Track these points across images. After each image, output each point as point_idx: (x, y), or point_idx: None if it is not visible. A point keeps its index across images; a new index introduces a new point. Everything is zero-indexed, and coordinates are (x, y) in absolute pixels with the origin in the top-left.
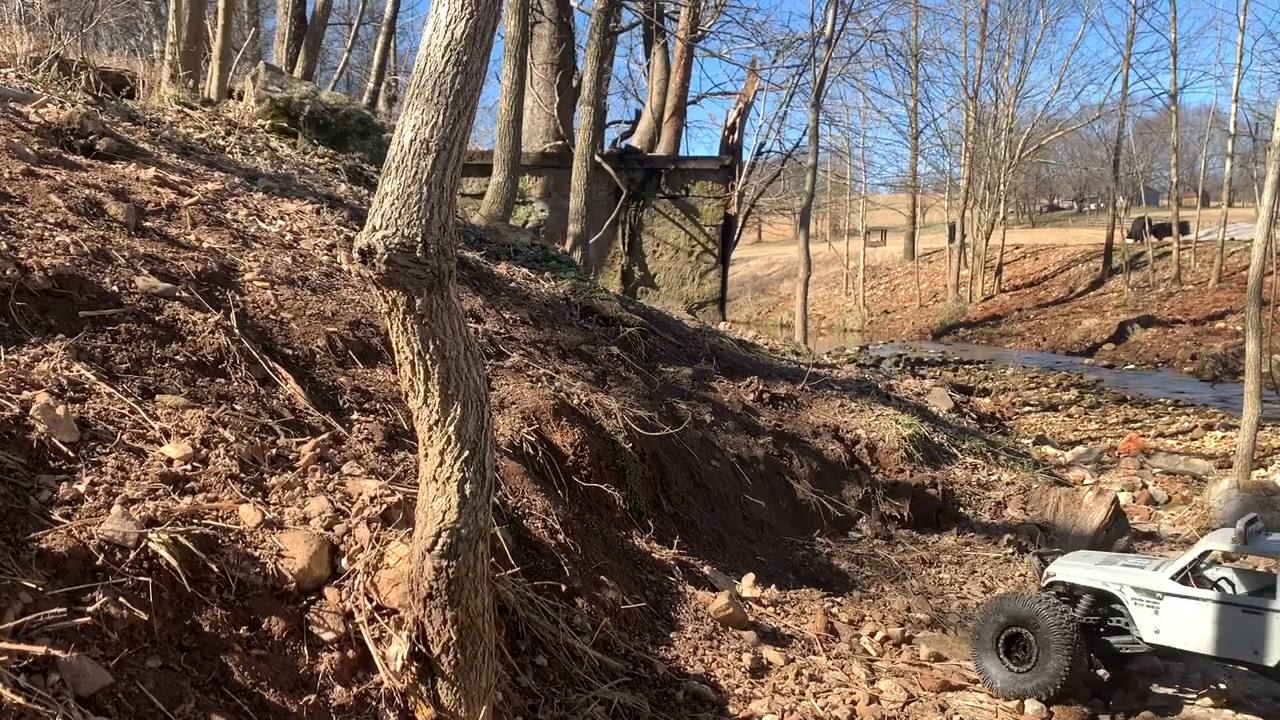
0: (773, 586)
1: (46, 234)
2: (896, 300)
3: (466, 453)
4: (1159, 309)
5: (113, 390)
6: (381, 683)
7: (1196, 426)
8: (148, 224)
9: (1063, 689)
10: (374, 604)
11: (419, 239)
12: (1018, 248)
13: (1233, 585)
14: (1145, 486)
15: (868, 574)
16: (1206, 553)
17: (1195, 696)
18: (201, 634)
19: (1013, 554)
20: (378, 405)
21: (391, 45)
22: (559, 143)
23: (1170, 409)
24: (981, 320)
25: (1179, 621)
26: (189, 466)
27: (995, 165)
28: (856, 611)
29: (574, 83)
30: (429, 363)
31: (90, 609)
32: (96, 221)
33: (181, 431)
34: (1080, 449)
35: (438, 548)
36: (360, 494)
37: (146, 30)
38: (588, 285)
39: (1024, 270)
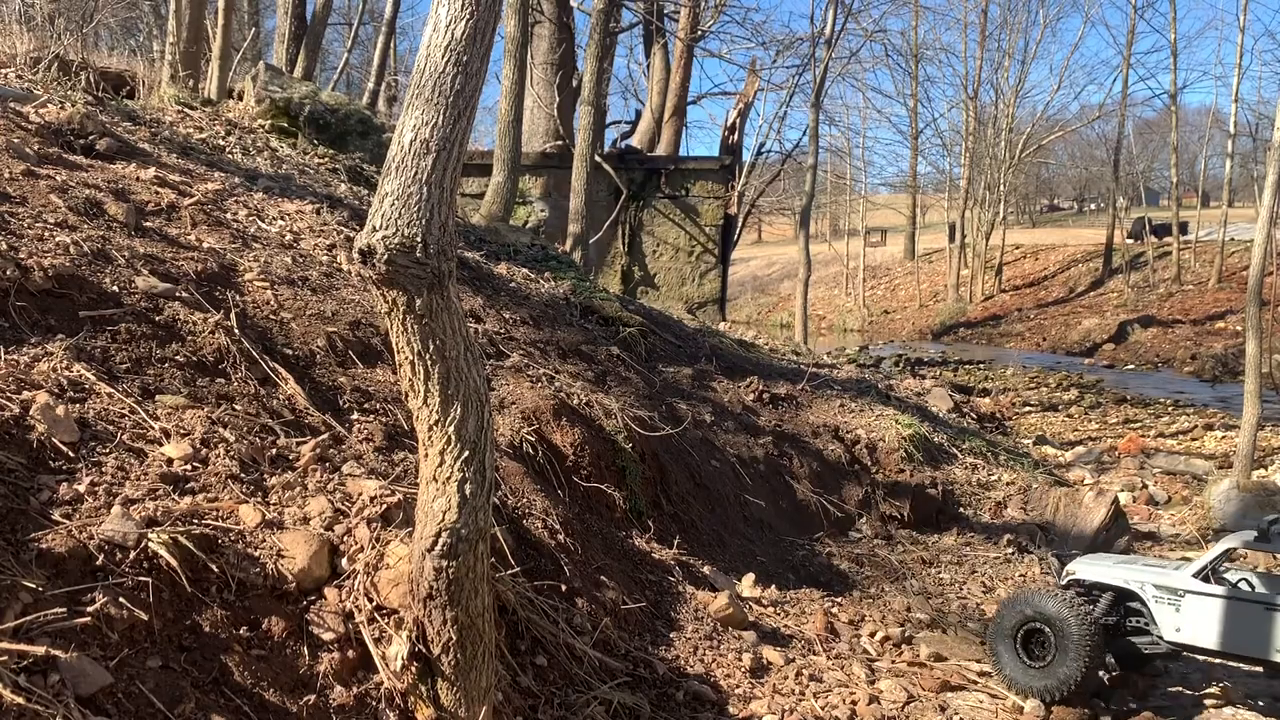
0: (773, 586)
1: (46, 234)
2: (896, 300)
3: (466, 453)
4: (1159, 309)
5: (113, 390)
6: (381, 683)
7: (1196, 426)
8: (148, 224)
9: (1080, 692)
10: (374, 604)
11: (419, 239)
12: (1018, 248)
13: (1252, 587)
14: (1145, 486)
15: (868, 574)
16: (1229, 550)
17: (1195, 695)
18: (201, 634)
19: (1013, 554)
20: (378, 405)
21: (391, 45)
22: (559, 143)
23: (1170, 409)
24: (981, 320)
25: (1201, 619)
26: (189, 466)
27: (995, 165)
28: (856, 611)
29: (574, 83)
30: (429, 363)
31: (90, 609)
32: (96, 221)
33: (181, 431)
34: (1080, 449)
35: (438, 548)
36: (360, 494)
37: (146, 30)
38: (588, 285)
39: (1024, 270)
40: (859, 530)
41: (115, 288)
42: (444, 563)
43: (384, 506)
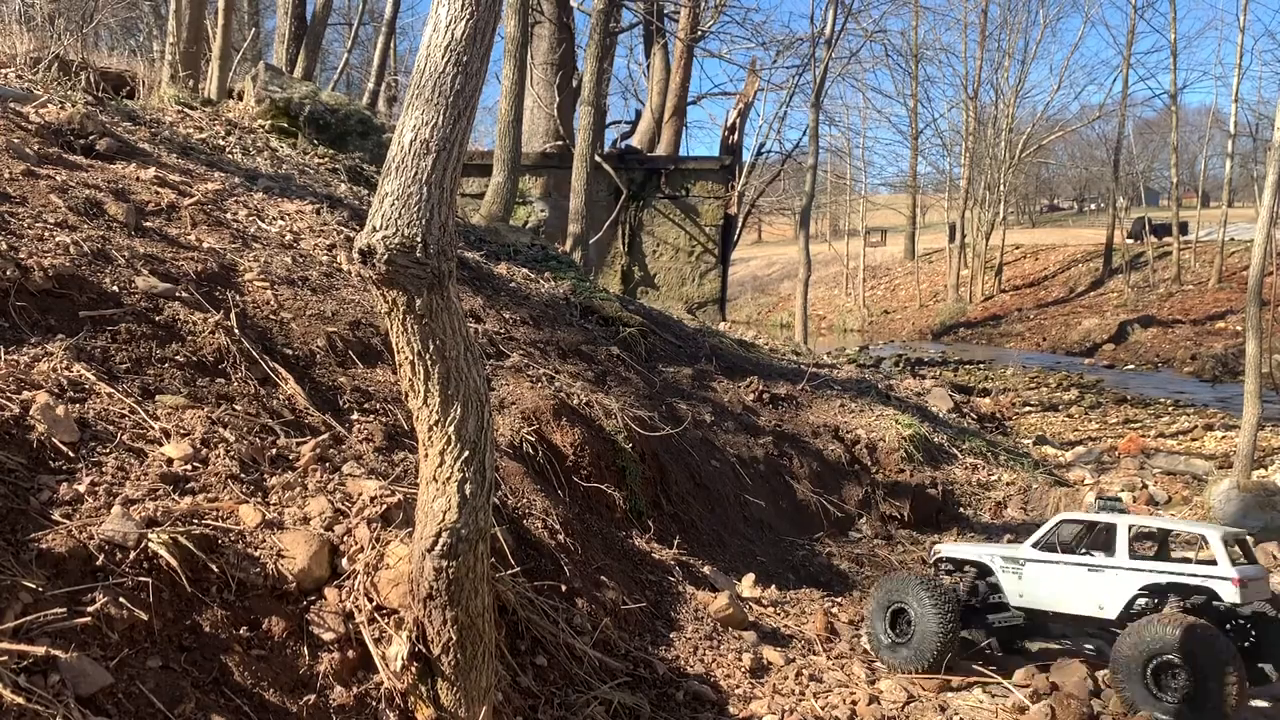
0: (773, 587)
1: (47, 234)
2: (896, 300)
3: (466, 453)
4: (1159, 309)
5: (113, 390)
6: (381, 683)
7: (1196, 427)
8: (148, 224)
9: (935, 660)
10: (374, 604)
11: (419, 239)
12: (1018, 248)
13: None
14: (1145, 487)
15: (868, 574)
16: (1061, 522)
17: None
18: (201, 634)
19: None
20: (378, 405)
21: (391, 45)
22: (559, 143)
23: (1170, 409)
24: (981, 320)
25: (1037, 584)
26: (189, 466)
27: (995, 165)
28: (856, 611)
29: (574, 83)
30: (429, 363)
31: (90, 609)
32: (96, 221)
33: (181, 431)
34: (1080, 449)
35: (438, 548)
36: (360, 494)
37: (146, 30)
38: (588, 285)
39: (1024, 270)
40: (859, 530)
41: (115, 288)
42: (444, 563)
43: (384, 506)
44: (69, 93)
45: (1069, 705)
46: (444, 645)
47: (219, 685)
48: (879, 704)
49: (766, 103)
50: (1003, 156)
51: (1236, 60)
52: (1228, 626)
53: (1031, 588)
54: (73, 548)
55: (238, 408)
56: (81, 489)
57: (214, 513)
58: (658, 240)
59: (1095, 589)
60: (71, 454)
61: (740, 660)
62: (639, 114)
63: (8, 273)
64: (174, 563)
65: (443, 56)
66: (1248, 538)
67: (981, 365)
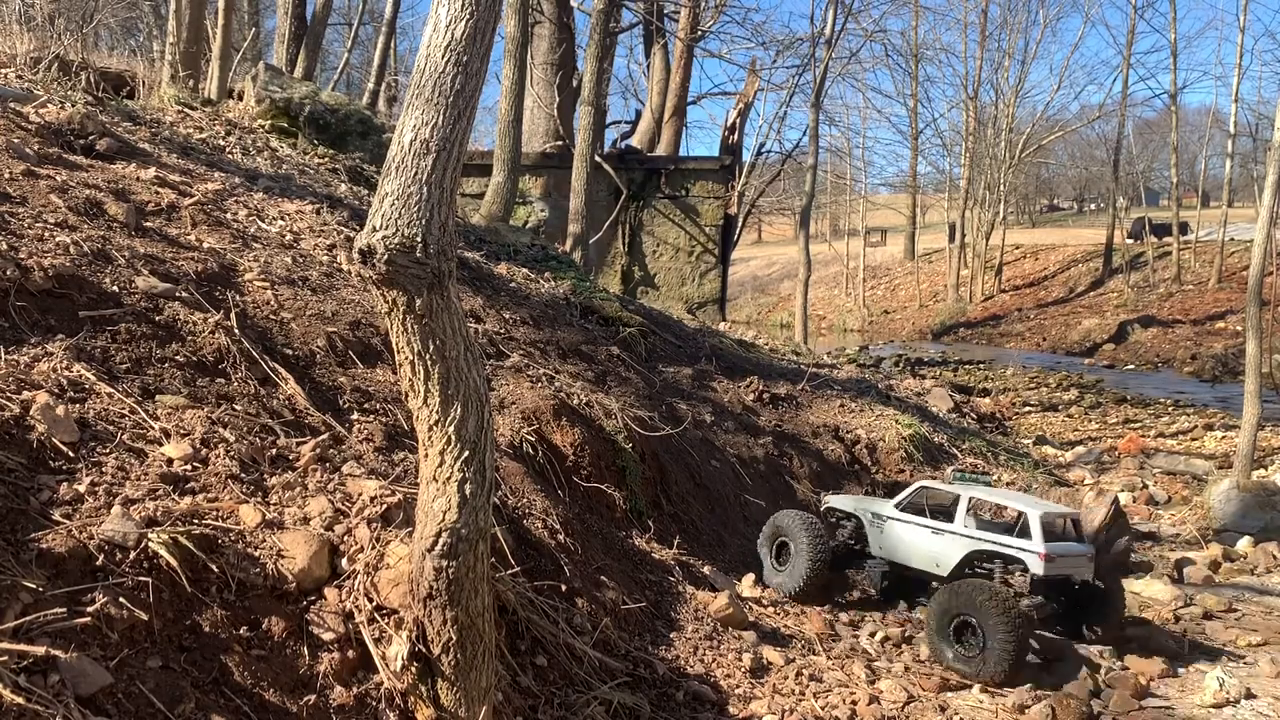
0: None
1: (47, 234)
2: (896, 300)
3: (466, 453)
4: (1159, 309)
5: (113, 390)
6: (381, 683)
7: (1196, 426)
8: (148, 224)
9: (809, 588)
10: (374, 604)
11: (419, 239)
12: (1018, 248)
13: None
14: (1145, 486)
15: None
16: (921, 488)
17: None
18: (201, 634)
19: None
20: (378, 405)
21: (391, 45)
22: (559, 143)
23: (1170, 409)
24: (981, 320)
25: (893, 539)
26: (189, 466)
27: (995, 165)
28: (856, 611)
29: (574, 83)
30: (429, 363)
31: (90, 609)
32: (96, 221)
33: (181, 431)
34: (1080, 449)
35: (438, 548)
36: (360, 494)
37: (146, 30)
38: (588, 285)
39: (1024, 270)
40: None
41: (115, 288)
42: (444, 563)
43: (384, 506)
44: (69, 93)
45: (1069, 705)
46: (444, 645)
47: (219, 685)
48: (879, 704)
49: (766, 103)
50: (1003, 156)
51: (1236, 60)
52: (1038, 590)
53: (888, 542)
54: (73, 548)
55: (238, 408)
56: (81, 489)
57: (214, 513)
58: (658, 240)
59: (934, 549)
60: (71, 454)
61: (740, 660)
62: (639, 114)
63: (8, 273)
64: (174, 563)
65: (443, 56)
66: (1077, 518)
67: (981, 365)
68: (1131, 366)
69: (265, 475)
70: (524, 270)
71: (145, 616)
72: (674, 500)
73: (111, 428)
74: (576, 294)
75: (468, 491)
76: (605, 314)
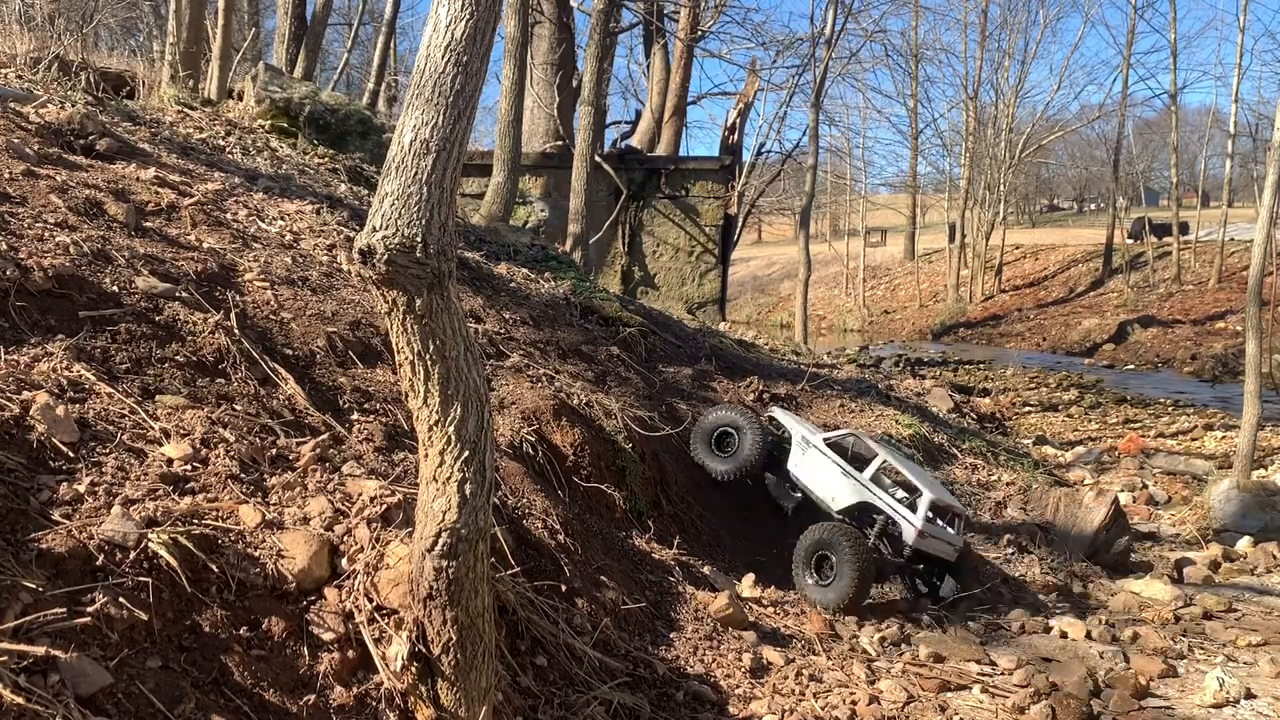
0: (773, 587)
1: (46, 234)
2: (896, 300)
3: (466, 453)
4: (1159, 309)
5: (113, 390)
6: (381, 683)
7: (1196, 426)
8: (148, 224)
9: (750, 472)
10: (374, 604)
11: (419, 239)
12: (1018, 248)
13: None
14: (1145, 486)
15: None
16: (852, 434)
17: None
18: (201, 634)
19: (1013, 554)
20: (378, 405)
21: (391, 45)
22: (559, 143)
23: (1170, 409)
24: (981, 320)
25: (809, 466)
26: (189, 466)
27: (995, 165)
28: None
29: (574, 83)
30: (429, 363)
31: (90, 609)
32: (96, 221)
33: (181, 431)
34: (1080, 449)
35: (438, 548)
36: (360, 494)
37: (146, 30)
38: (588, 285)
39: (1024, 270)
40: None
41: (115, 288)
42: (444, 563)
43: (384, 506)
44: (69, 93)
45: (1069, 705)
46: (444, 645)
47: (219, 685)
48: (879, 704)
49: (766, 103)
50: (1003, 156)
51: (1236, 60)
52: (904, 552)
53: (805, 466)
54: (73, 548)
55: (238, 408)
56: (81, 489)
57: (214, 513)
58: (658, 240)
59: (837, 487)
60: (71, 454)
61: (740, 660)
62: (639, 114)
63: (8, 273)
64: (174, 563)
65: (443, 56)
66: (963, 514)
67: (981, 365)
68: (1131, 366)
69: (265, 475)
70: (524, 270)
71: (145, 616)
72: (674, 500)
73: (111, 428)
74: (576, 294)
75: (468, 491)
76: (605, 314)
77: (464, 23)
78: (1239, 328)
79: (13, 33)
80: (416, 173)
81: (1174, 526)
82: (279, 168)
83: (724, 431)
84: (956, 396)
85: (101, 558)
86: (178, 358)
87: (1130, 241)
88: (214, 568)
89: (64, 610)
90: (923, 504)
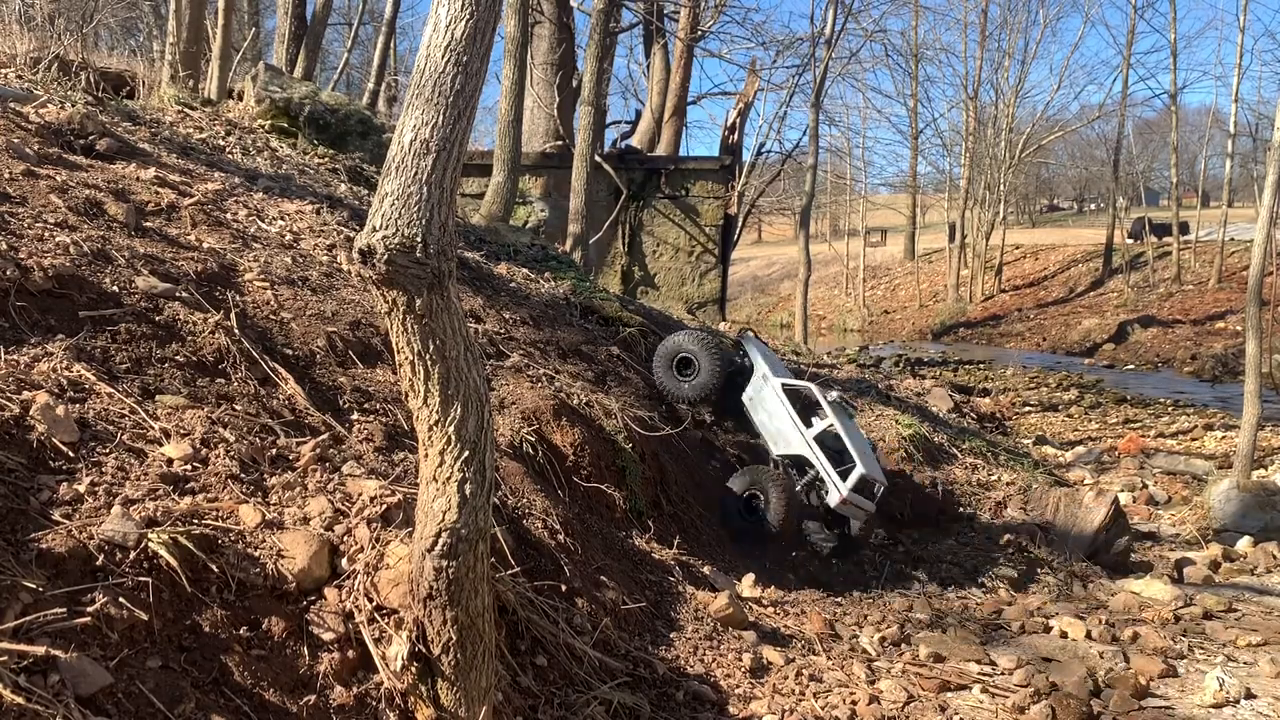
0: (773, 587)
1: (46, 234)
2: (896, 300)
3: (466, 453)
4: (1159, 309)
5: (113, 390)
6: (381, 683)
7: (1196, 426)
8: (148, 224)
9: (711, 388)
10: (374, 604)
11: (419, 239)
12: (1018, 248)
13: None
14: (1145, 486)
15: (869, 574)
16: (809, 387)
17: None
18: (201, 634)
19: (1013, 554)
20: (378, 405)
21: (391, 45)
22: (559, 143)
23: (1170, 409)
24: (981, 320)
25: (762, 403)
26: (189, 466)
27: (995, 165)
28: (857, 611)
29: (574, 83)
30: (429, 363)
31: (90, 609)
32: (96, 221)
33: (181, 431)
34: (1080, 449)
35: (438, 548)
36: (360, 494)
37: (146, 30)
38: (588, 285)
39: (1024, 270)
40: (859, 530)
41: (115, 288)
42: (444, 563)
43: (384, 506)
44: (69, 93)
45: (1069, 705)
46: (444, 645)
47: (219, 685)
48: (879, 704)
49: (766, 103)
50: (1003, 156)
51: (1236, 60)
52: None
53: (757, 399)
54: (73, 548)
55: (238, 408)
56: (81, 489)
57: (214, 513)
58: (658, 240)
59: (783, 432)
60: (71, 454)
61: (740, 660)
62: (639, 114)
63: (8, 273)
64: (174, 563)
65: (443, 56)
66: (887, 486)
67: (981, 365)
68: (1131, 366)
69: (265, 475)
70: (524, 270)
71: (145, 616)
72: (674, 500)
73: (111, 428)
74: (576, 294)
75: (468, 491)
76: (605, 314)
77: (464, 23)
78: (1239, 328)
79: (13, 33)
80: (416, 173)
81: (1174, 526)
82: (279, 168)
83: (684, 357)
84: (956, 396)
85: (101, 558)
86: (178, 358)
87: (1130, 241)
88: (214, 568)
89: (64, 610)
90: (853, 476)
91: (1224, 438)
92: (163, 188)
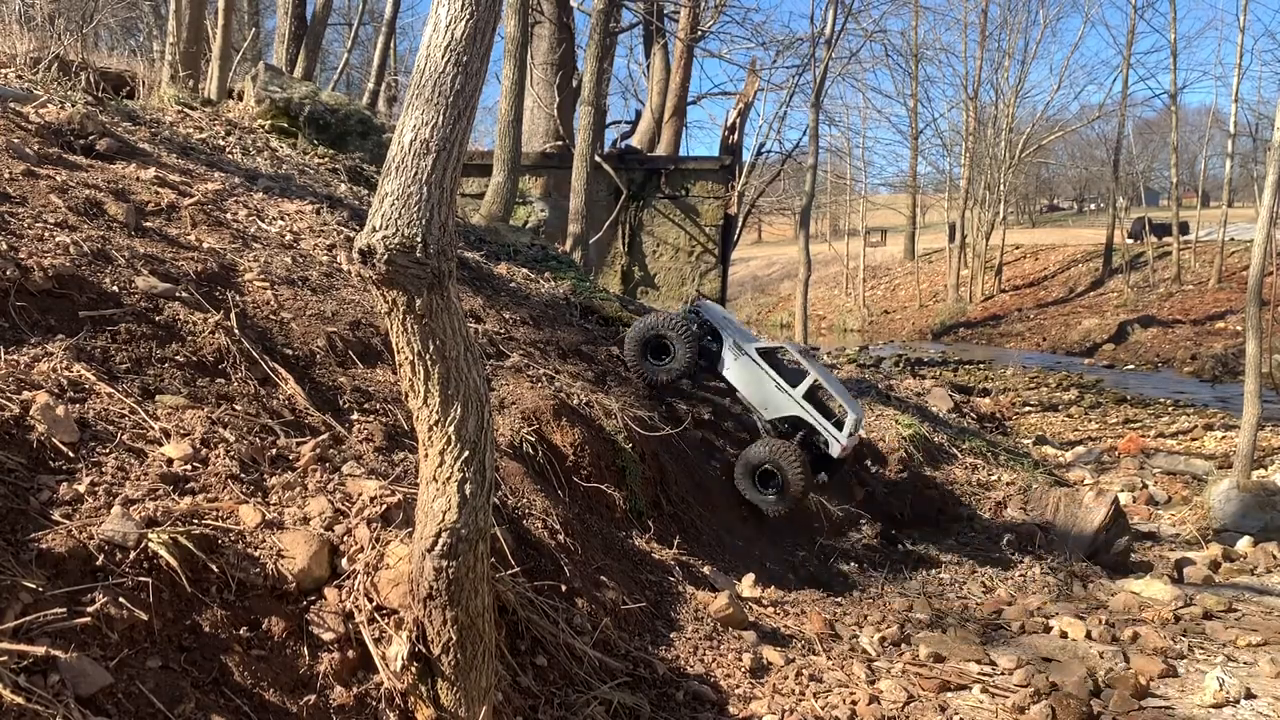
0: (773, 587)
1: (46, 234)
2: (896, 300)
3: (466, 453)
4: (1159, 309)
5: (113, 390)
6: (381, 683)
7: (1196, 426)
8: (148, 224)
9: (686, 372)
10: (374, 604)
11: (419, 239)
12: (1018, 248)
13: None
14: (1145, 486)
15: (868, 574)
16: (783, 348)
17: None
18: (201, 634)
19: (1013, 554)
20: (378, 405)
21: (391, 45)
22: (559, 143)
23: (1170, 409)
24: (981, 320)
25: (743, 372)
26: (189, 466)
27: (995, 165)
28: (857, 612)
29: (574, 83)
30: (429, 363)
31: (90, 609)
32: (96, 221)
33: (181, 431)
34: (1080, 449)
35: (438, 548)
36: (360, 494)
37: (146, 30)
38: (588, 285)
39: (1024, 270)
40: (859, 530)
41: (115, 288)
42: (444, 563)
43: (384, 506)
44: (69, 93)
45: (1069, 705)
46: (444, 645)
47: (219, 685)
48: (879, 704)
49: (766, 103)
50: (1003, 156)
51: (1236, 60)
52: (826, 460)
53: (735, 369)
54: (73, 548)
55: (238, 408)
56: (81, 489)
57: (214, 513)
58: (658, 240)
59: (770, 397)
60: (71, 454)
61: (740, 660)
62: (639, 114)
63: (8, 273)
64: (174, 563)
65: (443, 56)
66: (862, 433)
67: (981, 365)
68: (1131, 366)
69: (265, 475)
70: (524, 270)
71: (145, 616)
72: (674, 500)
73: (111, 428)
74: (576, 294)
75: (468, 491)
76: (605, 314)
77: (464, 23)
78: (1239, 328)
79: (13, 33)
80: (416, 173)
81: (1174, 526)
82: (279, 168)
83: (660, 342)
84: (956, 396)
85: (101, 558)
86: (178, 358)
87: (1130, 241)
88: (214, 568)
89: (64, 610)
90: (848, 425)
91: (1224, 438)
92: (163, 188)
